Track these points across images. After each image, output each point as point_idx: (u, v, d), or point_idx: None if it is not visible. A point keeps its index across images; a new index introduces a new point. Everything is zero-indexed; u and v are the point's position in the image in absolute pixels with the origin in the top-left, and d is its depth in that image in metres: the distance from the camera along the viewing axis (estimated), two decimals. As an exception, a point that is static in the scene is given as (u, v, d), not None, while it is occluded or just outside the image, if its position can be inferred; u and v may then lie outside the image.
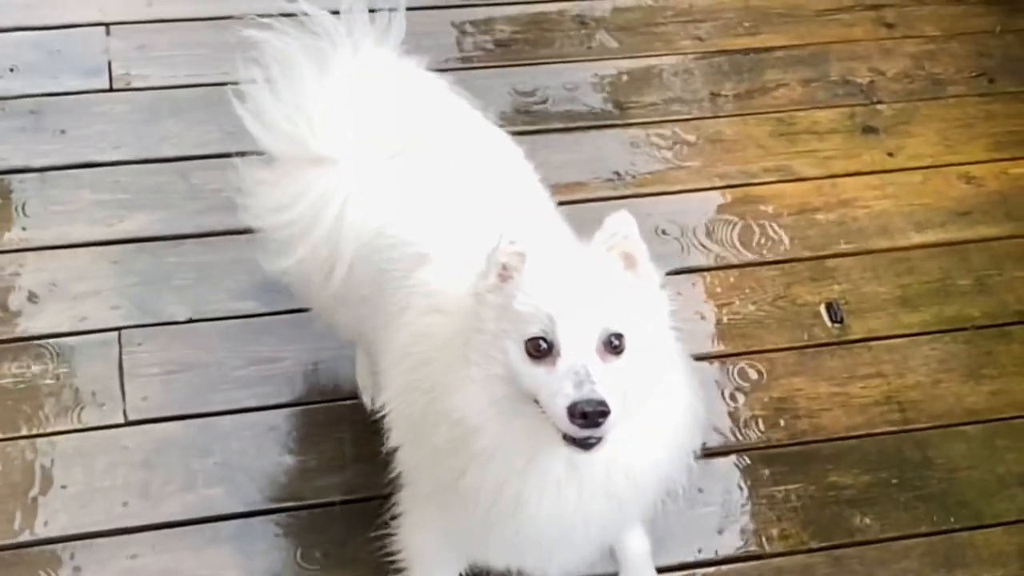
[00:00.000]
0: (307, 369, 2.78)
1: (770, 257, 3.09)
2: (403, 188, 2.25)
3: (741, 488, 2.68)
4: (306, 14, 2.35)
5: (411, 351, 2.06)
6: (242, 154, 2.37)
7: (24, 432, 2.64)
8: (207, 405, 2.71)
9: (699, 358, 2.65)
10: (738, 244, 3.10)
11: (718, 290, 3.02)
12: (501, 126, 2.48)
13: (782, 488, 2.69)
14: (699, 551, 2.59)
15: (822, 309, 3.00)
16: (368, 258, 2.24)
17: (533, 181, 2.37)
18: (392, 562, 2.36)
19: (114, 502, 2.57)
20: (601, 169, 3.22)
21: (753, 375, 2.86)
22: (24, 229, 2.97)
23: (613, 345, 1.79)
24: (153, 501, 2.57)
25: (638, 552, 2.48)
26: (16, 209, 3.00)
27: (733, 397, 2.82)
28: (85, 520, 2.54)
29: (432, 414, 1.94)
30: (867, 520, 2.65)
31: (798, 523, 2.64)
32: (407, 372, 2.06)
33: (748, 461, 2.72)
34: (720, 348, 2.90)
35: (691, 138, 3.32)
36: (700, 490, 2.62)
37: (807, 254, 3.11)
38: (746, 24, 3.62)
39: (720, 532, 2.62)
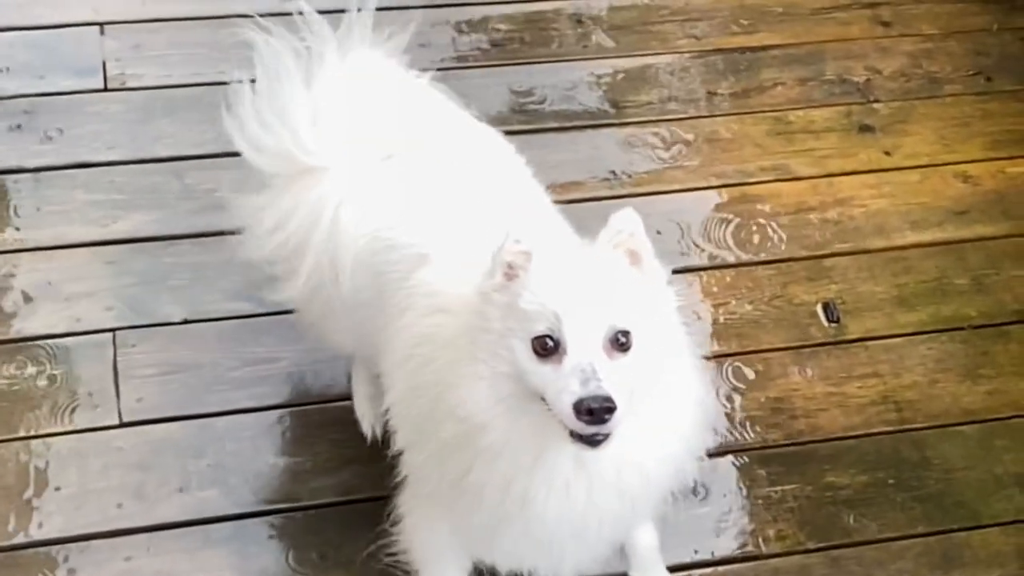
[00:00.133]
0: (303, 370, 2.77)
1: (766, 256, 3.08)
2: (398, 189, 2.24)
3: (738, 489, 2.67)
4: (300, 13, 2.34)
5: (414, 352, 2.06)
6: (236, 155, 2.37)
7: (18, 434, 2.64)
8: (202, 406, 2.71)
9: (696, 358, 2.65)
10: (734, 244, 3.10)
11: (714, 290, 3.01)
12: (497, 126, 2.47)
13: (779, 488, 2.68)
14: (695, 552, 2.58)
15: (819, 309, 2.99)
16: (367, 261, 2.23)
17: (527, 177, 2.37)
18: (392, 563, 2.36)
19: (109, 504, 2.56)
20: (597, 168, 3.22)
21: (750, 375, 2.86)
22: (18, 230, 2.97)
23: (620, 342, 1.79)
24: (148, 503, 2.57)
25: (647, 546, 2.48)
26: (10, 210, 2.99)
27: (729, 397, 2.81)
28: (80, 522, 2.53)
29: (438, 410, 1.94)
30: (864, 520, 2.65)
31: (795, 524, 2.64)
32: (411, 373, 2.06)
33: (744, 461, 2.71)
34: (716, 348, 2.89)
35: (688, 137, 3.32)
36: (696, 491, 2.62)
37: (803, 253, 3.10)
38: (742, 23, 3.62)
39: (717, 533, 2.61)
